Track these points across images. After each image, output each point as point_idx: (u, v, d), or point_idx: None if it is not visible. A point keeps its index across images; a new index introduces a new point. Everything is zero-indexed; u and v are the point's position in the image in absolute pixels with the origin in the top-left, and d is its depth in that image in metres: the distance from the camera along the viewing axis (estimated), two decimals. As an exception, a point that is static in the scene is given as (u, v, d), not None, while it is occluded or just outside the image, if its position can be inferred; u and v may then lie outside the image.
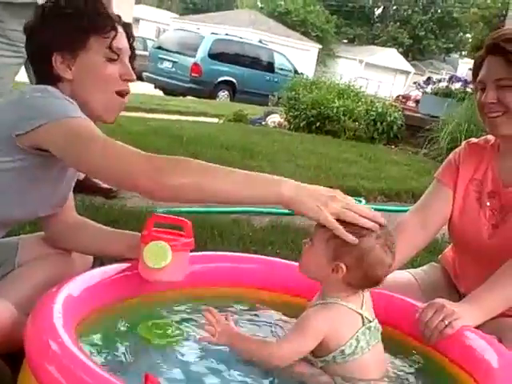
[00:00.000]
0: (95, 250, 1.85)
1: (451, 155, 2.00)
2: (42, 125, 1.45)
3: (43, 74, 1.65)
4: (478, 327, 1.66)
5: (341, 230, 1.38)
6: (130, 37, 1.73)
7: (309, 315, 1.44)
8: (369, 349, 1.44)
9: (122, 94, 1.68)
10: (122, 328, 1.50)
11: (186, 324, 1.58)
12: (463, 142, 2.02)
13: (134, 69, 1.71)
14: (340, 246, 1.40)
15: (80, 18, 1.62)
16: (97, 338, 1.44)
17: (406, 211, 2.06)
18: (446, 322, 1.51)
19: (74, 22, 1.61)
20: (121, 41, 1.67)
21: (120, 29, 1.69)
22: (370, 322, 1.46)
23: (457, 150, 2.01)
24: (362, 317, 1.45)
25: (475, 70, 1.85)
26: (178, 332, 1.52)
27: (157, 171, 1.37)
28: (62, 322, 1.26)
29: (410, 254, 1.93)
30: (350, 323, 1.44)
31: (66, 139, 1.46)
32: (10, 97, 1.68)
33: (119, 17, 1.71)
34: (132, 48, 1.73)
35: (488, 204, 1.87)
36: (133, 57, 1.73)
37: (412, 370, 1.52)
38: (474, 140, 2.00)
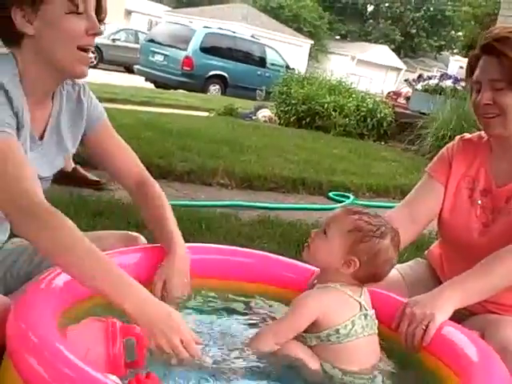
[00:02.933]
0: None
1: (444, 150, 1.99)
2: None
3: (3, 30, 1.53)
4: (462, 323, 1.67)
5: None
6: None
7: (305, 295, 1.50)
8: (364, 335, 1.48)
9: (85, 49, 1.54)
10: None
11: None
12: (457, 137, 2.00)
13: (101, 21, 1.57)
14: (359, 242, 1.46)
15: None
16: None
17: (394, 207, 2.06)
18: (423, 327, 1.50)
19: None
20: None
21: None
22: (367, 310, 1.50)
23: (450, 144, 1.99)
24: (360, 304, 1.50)
25: (470, 69, 1.84)
26: None
27: (27, 216, 1.36)
28: (44, 313, 1.26)
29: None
30: (347, 307, 1.49)
31: None
32: None
33: None
34: (99, 3, 1.58)
35: (479, 202, 1.87)
36: (100, 8, 1.58)
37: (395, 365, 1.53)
38: (467, 136, 1.99)
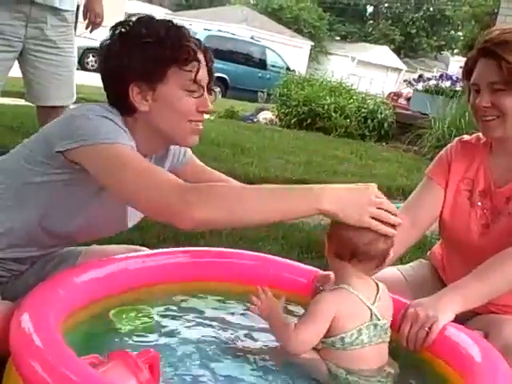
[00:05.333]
0: None
1: (443, 152, 1.99)
2: (82, 146, 1.44)
3: (117, 102, 1.58)
4: (465, 324, 1.68)
5: (380, 227, 1.41)
6: (208, 61, 1.63)
7: (319, 299, 1.46)
8: (370, 344, 1.45)
9: (192, 121, 1.60)
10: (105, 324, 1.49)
11: (161, 314, 1.59)
12: (455, 139, 2.01)
13: (210, 93, 1.64)
14: (339, 240, 1.45)
15: (161, 48, 1.53)
16: (83, 333, 1.43)
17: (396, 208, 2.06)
18: (426, 329, 1.50)
19: (154, 53, 1.53)
20: (200, 71, 1.58)
21: (201, 56, 1.60)
22: (379, 320, 1.46)
23: (448, 146, 1.99)
24: (371, 312, 1.46)
25: (467, 71, 1.84)
26: (147, 319, 1.52)
27: (187, 206, 1.33)
28: (48, 318, 1.26)
29: (400, 252, 1.92)
30: (356, 313, 1.45)
31: (102, 164, 1.44)
32: (67, 112, 1.67)
33: (199, 42, 1.62)
34: (210, 73, 1.64)
35: (479, 204, 1.87)
36: (210, 82, 1.63)
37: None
38: (465, 137, 1.99)
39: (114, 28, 1.61)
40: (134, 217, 1.76)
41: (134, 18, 1.62)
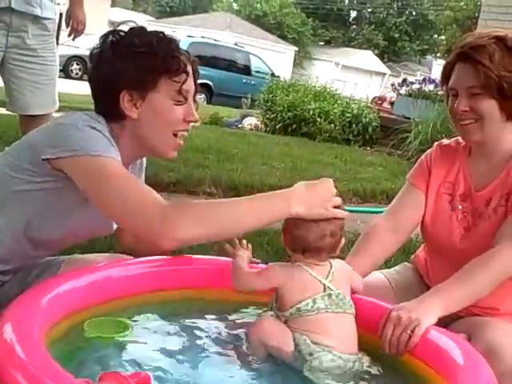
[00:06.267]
0: None
1: (423, 157, 2.01)
2: (70, 156, 1.46)
3: (107, 109, 1.61)
4: (448, 326, 1.69)
5: (341, 214, 1.54)
6: (195, 72, 1.68)
7: (273, 266, 1.61)
8: (327, 311, 1.51)
9: (176, 134, 1.65)
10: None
11: (138, 323, 1.57)
12: (434, 144, 2.02)
13: (195, 103, 1.69)
14: (292, 237, 1.57)
15: (153, 58, 1.58)
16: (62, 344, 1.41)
17: (380, 212, 2.07)
18: (409, 332, 1.50)
19: (147, 62, 1.57)
20: (189, 82, 1.64)
21: (189, 68, 1.65)
22: (332, 290, 1.54)
23: (428, 151, 2.01)
24: (325, 286, 1.54)
25: (445, 76, 1.85)
26: (125, 329, 1.50)
27: (169, 228, 1.36)
28: (30, 327, 1.25)
29: (383, 259, 1.95)
30: (309, 286, 1.53)
31: (87, 176, 1.47)
32: (53, 120, 1.69)
33: (188, 54, 1.68)
34: (195, 83, 1.69)
35: (460, 207, 1.88)
36: (196, 93, 1.70)
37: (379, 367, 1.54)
38: (445, 142, 2.01)
39: (105, 36, 1.64)
40: None
41: (124, 28, 1.66)
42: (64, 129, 1.53)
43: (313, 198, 1.50)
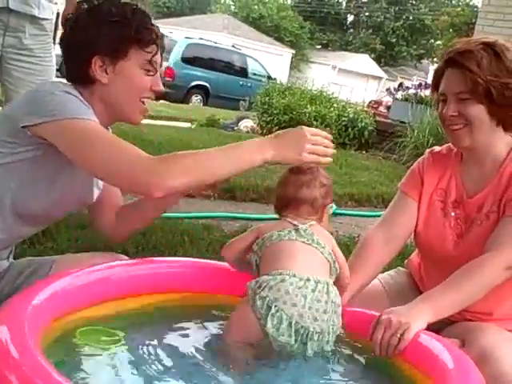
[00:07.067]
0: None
1: (415, 165, 2.01)
2: (51, 121, 1.50)
3: (78, 72, 1.67)
4: (441, 332, 1.69)
5: (318, 159, 1.59)
6: (162, 46, 1.76)
7: None
8: (291, 239, 1.58)
9: (143, 101, 1.73)
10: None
11: (129, 331, 1.55)
12: (426, 151, 2.03)
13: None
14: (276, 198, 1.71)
15: (127, 27, 1.65)
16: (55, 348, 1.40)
17: (376, 216, 2.08)
18: (398, 335, 1.52)
19: (121, 31, 1.65)
20: (158, 55, 1.72)
21: (159, 41, 1.73)
22: (298, 226, 1.61)
23: (420, 159, 2.01)
24: (293, 225, 1.61)
25: (435, 82, 1.87)
26: (115, 338, 1.49)
27: (158, 176, 1.44)
28: (24, 329, 1.25)
29: (377, 270, 1.94)
30: (280, 226, 1.62)
31: (71, 139, 1.51)
32: (28, 91, 1.73)
33: (158, 28, 1.74)
34: (161, 57, 1.77)
35: (452, 214, 1.88)
36: (161, 65, 1.77)
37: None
38: (436, 149, 2.01)
39: (80, 3, 1.71)
40: (97, 189, 1.84)
41: None
42: (40, 95, 1.58)
43: (286, 144, 1.57)
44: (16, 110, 1.60)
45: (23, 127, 1.53)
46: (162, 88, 1.75)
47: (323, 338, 1.49)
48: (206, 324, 1.66)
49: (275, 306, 1.45)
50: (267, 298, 1.47)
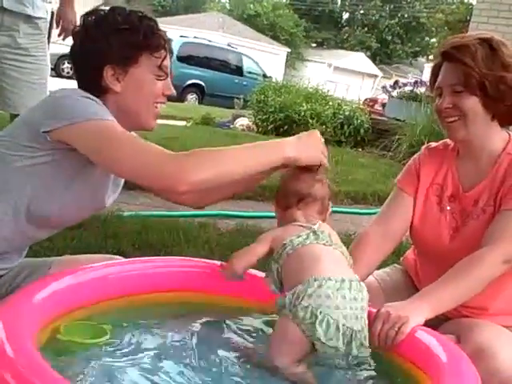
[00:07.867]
0: None
1: (411, 161, 2.02)
2: (73, 124, 1.50)
3: (90, 83, 1.67)
4: (438, 328, 1.70)
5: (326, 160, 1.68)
6: (169, 52, 1.76)
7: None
8: (313, 243, 1.56)
9: (156, 106, 1.75)
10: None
11: (119, 327, 1.54)
12: (422, 147, 2.04)
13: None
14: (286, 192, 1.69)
15: (136, 34, 1.67)
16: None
17: (371, 214, 2.08)
18: (396, 329, 1.53)
19: (130, 38, 1.66)
20: (167, 59, 1.74)
21: (167, 46, 1.75)
22: (317, 229, 1.59)
23: (416, 155, 2.03)
24: (311, 228, 1.59)
25: (433, 77, 1.89)
26: (101, 336, 1.47)
27: (184, 172, 1.45)
28: (20, 328, 1.25)
29: (377, 265, 1.96)
30: (295, 231, 1.60)
31: (94, 140, 1.51)
32: (47, 97, 1.76)
33: (165, 33, 1.76)
34: (170, 61, 1.78)
35: (448, 208, 1.90)
36: (171, 70, 1.78)
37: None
38: (433, 144, 2.03)
39: (86, 15, 1.71)
40: (112, 194, 1.84)
41: (105, 8, 1.75)
42: (59, 101, 1.59)
43: (305, 144, 1.64)
44: (35, 115, 1.60)
45: (44, 132, 1.53)
46: (174, 92, 1.76)
47: (363, 335, 1.48)
48: (193, 319, 1.67)
49: (320, 313, 1.41)
50: (310, 307, 1.42)
